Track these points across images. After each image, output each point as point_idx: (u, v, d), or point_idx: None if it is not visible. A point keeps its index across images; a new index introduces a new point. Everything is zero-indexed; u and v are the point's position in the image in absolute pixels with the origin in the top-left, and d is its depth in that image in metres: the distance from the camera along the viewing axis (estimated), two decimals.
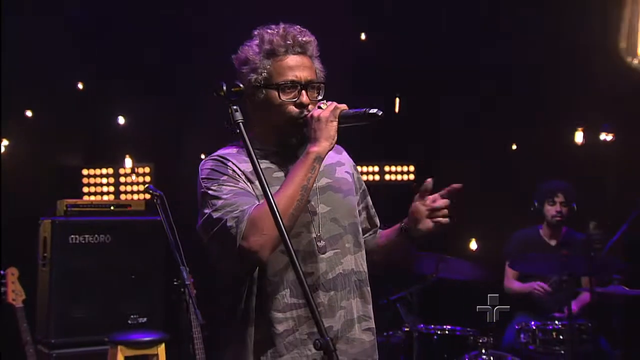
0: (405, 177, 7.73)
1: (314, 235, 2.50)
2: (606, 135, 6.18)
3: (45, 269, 5.25)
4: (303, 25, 2.61)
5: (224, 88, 2.35)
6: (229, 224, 2.36)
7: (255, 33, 2.58)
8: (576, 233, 5.62)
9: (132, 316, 5.34)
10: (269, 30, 2.55)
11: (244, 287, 2.47)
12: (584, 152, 6.69)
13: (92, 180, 7.14)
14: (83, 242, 5.27)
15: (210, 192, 2.47)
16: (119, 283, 5.34)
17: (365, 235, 2.73)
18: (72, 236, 5.24)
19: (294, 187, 2.38)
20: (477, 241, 6.87)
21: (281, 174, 2.52)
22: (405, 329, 5.11)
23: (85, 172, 7.12)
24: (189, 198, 4.36)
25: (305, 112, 2.51)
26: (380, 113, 2.40)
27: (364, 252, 2.61)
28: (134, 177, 7.26)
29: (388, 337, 5.33)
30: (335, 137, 2.45)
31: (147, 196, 6.94)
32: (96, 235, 5.30)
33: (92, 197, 7.05)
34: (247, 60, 2.55)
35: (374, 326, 2.58)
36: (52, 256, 5.18)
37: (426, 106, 7.53)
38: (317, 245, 2.48)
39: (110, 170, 7.18)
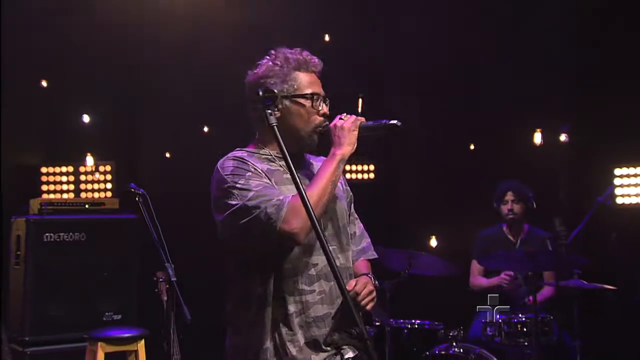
0: (365, 175, 7.89)
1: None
2: (566, 136, 6.41)
3: (18, 267, 5.25)
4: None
5: (260, 94, 2.65)
6: (269, 210, 2.64)
7: (273, 52, 2.90)
8: (538, 230, 5.84)
9: (106, 313, 5.39)
10: (289, 50, 2.89)
11: (264, 273, 2.75)
12: (542, 153, 6.89)
13: (51, 179, 7.11)
14: (58, 240, 5.30)
15: (238, 185, 2.73)
16: (93, 281, 5.38)
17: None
18: (47, 234, 5.27)
19: (325, 182, 2.73)
20: (436, 238, 7.04)
21: (288, 175, 2.70)
22: (377, 324, 5.26)
23: (44, 170, 7.11)
24: (150, 195, 4.54)
25: (327, 122, 2.88)
26: (399, 124, 2.75)
27: (350, 252, 2.96)
28: (97, 175, 7.26)
29: None
30: (356, 144, 2.79)
31: (109, 194, 7.06)
32: (71, 234, 5.34)
33: (52, 196, 7.04)
34: (274, 73, 2.85)
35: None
36: (26, 254, 5.19)
37: (385, 107, 7.71)
38: (316, 239, 2.70)
39: (71, 169, 7.17)
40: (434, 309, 5.70)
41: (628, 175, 6.68)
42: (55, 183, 7.03)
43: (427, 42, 7.09)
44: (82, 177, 7.12)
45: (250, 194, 2.69)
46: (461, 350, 4.90)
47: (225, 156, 2.87)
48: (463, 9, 6.89)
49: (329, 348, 2.76)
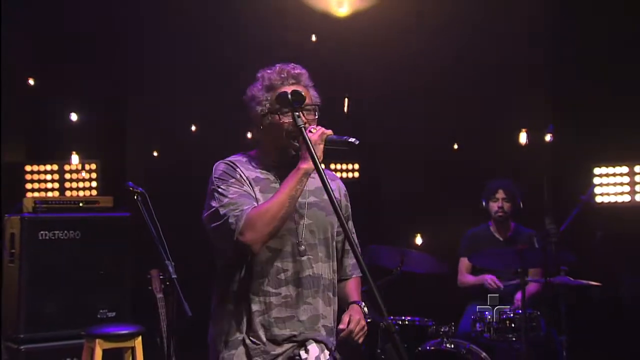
0: (350, 174, 7.98)
1: (295, 240, 2.96)
2: (552, 136, 6.53)
3: (13, 264, 5.29)
4: None
5: (289, 97, 2.85)
6: (230, 220, 2.84)
7: (258, 75, 3.08)
8: (524, 228, 5.97)
9: (101, 311, 5.45)
10: (268, 70, 3.06)
11: (238, 273, 2.95)
12: (524, 152, 7.01)
13: (35, 177, 7.12)
14: (53, 238, 5.35)
15: (219, 189, 2.94)
16: (88, 278, 5.43)
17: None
18: (42, 232, 5.31)
19: (284, 196, 2.84)
20: (422, 236, 7.13)
21: (277, 185, 2.97)
22: (368, 320, 5.33)
23: (28, 168, 7.12)
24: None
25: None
26: (357, 142, 2.86)
27: (334, 263, 3.09)
28: (83, 173, 7.27)
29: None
30: (322, 157, 2.87)
31: (94, 192, 7.09)
32: (65, 232, 5.39)
33: (36, 194, 7.05)
34: (253, 97, 3.04)
35: (331, 325, 3.04)
36: (21, 252, 5.23)
37: (369, 106, 7.81)
38: (298, 248, 2.96)
39: (55, 167, 7.18)
40: (423, 305, 5.79)
41: (607, 175, 6.84)
42: (39, 181, 7.04)
43: (413, 41, 7.20)
44: (67, 176, 7.16)
45: (225, 200, 2.89)
46: (452, 346, 5.00)
47: (225, 158, 3.08)
48: (448, 8, 7.01)
49: (291, 344, 2.94)
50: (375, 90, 7.51)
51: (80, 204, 5.58)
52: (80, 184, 7.12)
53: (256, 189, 2.96)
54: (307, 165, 2.86)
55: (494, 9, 6.94)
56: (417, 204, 7.28)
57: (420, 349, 5.08)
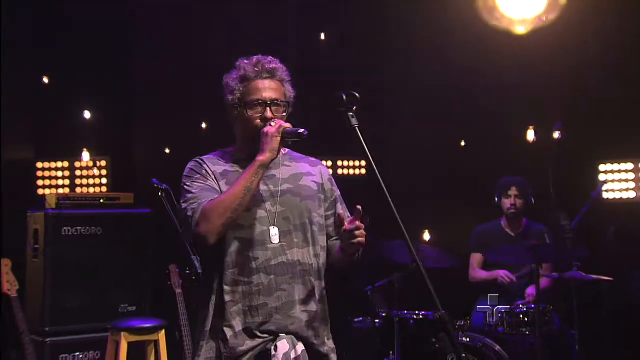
0: (357, 171, 8.09)
1: (265, 227, 3.00)
2: (560, 134, 6.64)
3: (37, 260, 5.40)
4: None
5: (344, 98, 2.92)
6: (189, 213, 2.97)
7: (236, 64, 3.14)
8: (536, 224, 6.09)
9: (122, 305, 5.56)
10: (245, 61, 3.12)
11: (213, 264, 3.03)
12: (528, 150, 7.11)
13: (47, 174, 7.22)
14: (75, 234, 5.46)
15: (185, 186, 3.07)
16: (109, 273, 5.56)
17: (332, 239, 3.21)
18: (65, 228, 5.42)
19: (239, 188, 2.93)
20: (430, 232, 7.24)
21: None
22: (383, 315, 5.47)
23: (40, 165, 7.21)
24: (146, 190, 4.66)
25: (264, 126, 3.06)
26: (305, 133, 2.97)
27: (316, 247, 3.10)
28: (95, 170, 7.37)
29: (361, 322, 5.77)
30: (277, 150, 2.99)
31: (104, 189, 7.17)
32: (88, 228, 5.51)
33: (47, 191, 7.15)
34: (227, 85, 3.12)
35: (313, 310, 3.05)
36: (45, 248, 5.34)
37: (375, 104, 7.92)
38: (269, 236, 2.99)
39: (66, 164, 7.28)
40: (430, 300, 5.87)
41: (612, 172, 6.93)
42: (50, 178, 7.15)
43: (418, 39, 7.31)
44: (78, 173, 7.26)
45: (189, 195, 3.02)
46: (468, 340, 5.12)
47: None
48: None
49: (265, 335, 2.96)
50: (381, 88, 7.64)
51: (102, 201, 5.67)
52: (91, 181, 7.23)
53: (222, 182, 3.04)
54: (263, 157, 2.95)
55: None
56: (425, 200, 7.38)
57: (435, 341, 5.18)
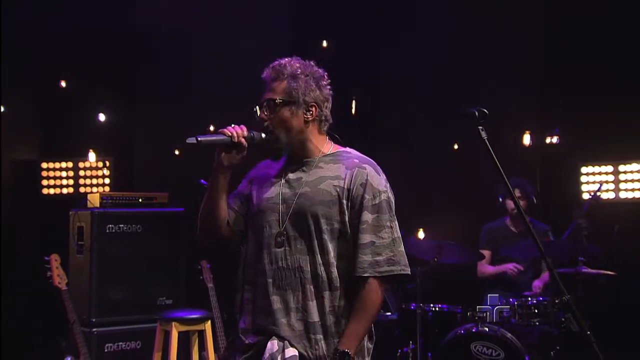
0: None
1: (275, 231, 2.95)
2: (558, 138, 7.09)
3: (81, 256, 5.72)
4: None
5: (476, 114, 3.03)
6: None
7: (322, 71, 3.11)
8: (539, 222, 6.51)
9: (159, 298, 5.91)
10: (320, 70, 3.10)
11: (239, 263, 3.09)
12: (516, 153, 7.52)
13: (51, 174, 7.46)
14: (118, 231, 5.80)
15: None
16: (147, 268, 5.90)
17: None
18: (109, 226, 5.76)
19: (207, 193, 3.03)
20: (424, 231, 7.64)
21: (275, 180, 3.07)
22: (403, 307, 5.88)
23: (44, 165, 7.44)
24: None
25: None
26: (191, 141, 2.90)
27: (325, 256, 2.92)
28: (105, 170, 7.61)
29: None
30: (218, 155, 2.97)
31: (107, 189, 7.36)
32: (129, 225, 5.84)
33: (52, 190, 7.41)
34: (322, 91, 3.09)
35: (313, 320, 2.89)
36: (91, 244, 5.67)
37: (371, 106, 8.30)
38: (276, 240, 2.94)
39: (70, 164, 7.51)
40: (444, 294, 6.28)
41: (594, 173, 7.31)
42: (55, 178, 7.39)
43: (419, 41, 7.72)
44: (82, 173, 7.51)
45: None
46: (486, 329, 5.54)
47: None
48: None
49: (262, 336, 2.94)
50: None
51: (140, 200, 5.96)
52: (94, 181, 7.50)
53: (255, 187, 3.07)
54: (215, 163, 2.97)
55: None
56: (419, 200, 7.73)
57: (463, 331, 5.56)
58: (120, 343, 5.68)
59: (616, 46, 7.08)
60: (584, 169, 7.35)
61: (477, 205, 7.24)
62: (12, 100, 7.27)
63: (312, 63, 3.06)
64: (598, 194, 6.49)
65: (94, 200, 5.77)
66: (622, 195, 7.25)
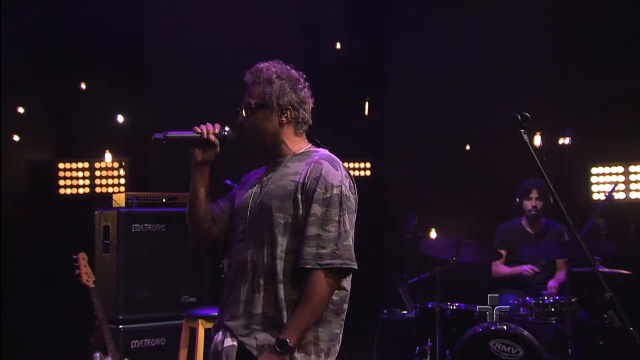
0: (362, 172, 8.58)
1: (242, 227, 3.07)
2: (570, 139, 7.18)
3: (107, 254, 5.83)
4: None
5: (519, 118, 3.16)
6: None
7: (299, 75, 3.20)
8: (555, 223, 6.63)
9: (183, 296, 6.02)
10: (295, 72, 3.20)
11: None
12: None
13: (68, 174, 7.55)
14: (143, 230, 5.91)
15: None
16: (172, 267, 6.01)
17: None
18: (135, 225, 5.87)
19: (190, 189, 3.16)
20: (436, 231, 7.75)
21: (254, 182, 3.18)
22: (420, 306, 5.99)
23: (61, 165, 7.52)
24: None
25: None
26: (159, 137, 3.08)
27: (275, 249, 2.96)
28: (121, 171, 7.69)
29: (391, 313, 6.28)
30: (194, 152, 3.11)
31: (122, 189, 7.44)
32: (154, 225, 5.94)
33: (68, 190, 7.50)
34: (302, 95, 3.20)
35: (257, 312, 2.95)
36: (118, 243, 5.78)
37: (385, 107, 8.42)
38: (238, 236, 3.07)
39: (86, 164, 7.60)
40: (461, 292, 6.37)
41: (604, 174, 7.48)
42: (71, 178, 7.48)
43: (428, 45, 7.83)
44: (97, 173, 7.59)
45: None
46: (505, 327, 5.64)
47: None
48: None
49: (219, 330, 3.08)
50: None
51: (164, 200, 6.07)
52: (110, 181, 7.58)
53: (240, 190, 3.20)
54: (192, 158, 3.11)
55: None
56: (430, 201, 7.84)
57: (480, 330, 5.66)
58: (146, 340, 5.79)
59: (628, 48, 7.21)
60: (594, 170, 7.49)
61: (489, 206, 7.35)
62: (29, 100, 7.34)
63: (289, 67, 3.15)
64: (612, 194, 6.60)
65: (120, 200, 5.87)
66: (633, 195, 7.40)
